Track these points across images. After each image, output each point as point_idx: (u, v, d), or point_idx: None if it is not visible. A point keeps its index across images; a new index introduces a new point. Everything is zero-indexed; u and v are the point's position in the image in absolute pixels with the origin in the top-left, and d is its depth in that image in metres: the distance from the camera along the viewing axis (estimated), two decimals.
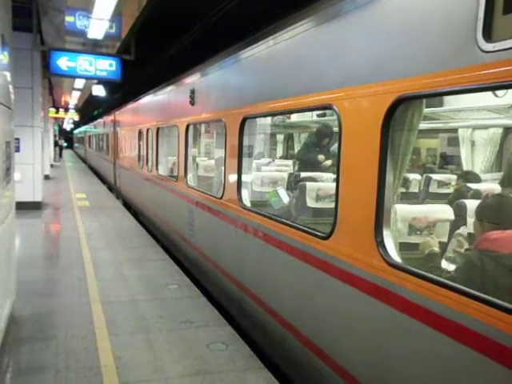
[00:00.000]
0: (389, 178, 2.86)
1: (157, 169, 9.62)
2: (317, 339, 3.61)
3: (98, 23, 9.99)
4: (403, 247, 3.38)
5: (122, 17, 10.24)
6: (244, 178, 5.16)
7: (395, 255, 2.83)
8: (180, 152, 7.57)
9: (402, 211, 3.55)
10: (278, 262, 4.29)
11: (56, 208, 12.68)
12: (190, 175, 7.42)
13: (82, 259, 7.37)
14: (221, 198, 5.64)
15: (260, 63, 4.88)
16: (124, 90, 26.16)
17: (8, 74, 4.67)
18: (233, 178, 5.24)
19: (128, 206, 13.73)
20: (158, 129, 9.52)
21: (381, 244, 2.86)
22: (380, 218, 2.86)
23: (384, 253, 2.83)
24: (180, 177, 7.64)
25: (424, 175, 6.40)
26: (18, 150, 10.74)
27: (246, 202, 5.09)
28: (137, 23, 10.52)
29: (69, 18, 10.19)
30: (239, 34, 6.63)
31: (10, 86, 4.85)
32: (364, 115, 3.05)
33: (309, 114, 8.63)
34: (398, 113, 2.80)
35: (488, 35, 2.16)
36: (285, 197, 5.76)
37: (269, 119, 8.17)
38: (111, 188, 18.23)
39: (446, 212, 3.77)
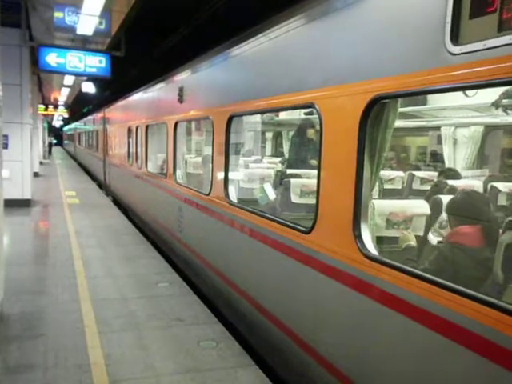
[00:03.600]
0: (366, 174, 2.98)
1: (146, 166, 9.69)
2: (299, 330, 3.73)
3: (88, 19, 9.91)
4: (382, 241, 3.56)
5: (111, 13, 10.17)
6: (231, 174, 5.26)
7: (372, 248, 2.95)
8: (169, 149, 7.66)
9: (379, 206, 3.69)
10: (262, 256, 4.39)
11: (45, 205, 12.58)
12: (178, 172, 7.52)
13: (72, 257, 7.32)
14: (208, 194, 5.73)
15: (246, 62, 4.98)
16: (114, 87, 26.02)
17: None
18: (220, 174, 5.34)
19: (118, 203, 13.69)
20: (147, 126, 9.58)
21: (358, 237, 2.98)
22: (358, 212, 2.99)
23: (361, 246, 2.96)
24: (169, 174, 7.73)
25: (407, 172, 6.55)
26: (6, 146, 10.65)
27: (233, 198, 5.19)
28: (127, 19, 10.45)
29: (58, 14, 10.09)
30: (230, 30, 6.62)
31: None
32: (343, 114, 3.16)
33: (296, 111, 8.65)
34: (375, 111, 2.92)
35: (455, 39, 2.29)
36: (271, 193, 5.91)
37: (257, 117, 8.26)
38: (101, 185, 18.16)
39: (422, 207, 3.91)
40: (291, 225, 3.88)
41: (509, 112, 5.39)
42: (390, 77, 2.72)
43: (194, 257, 6.43)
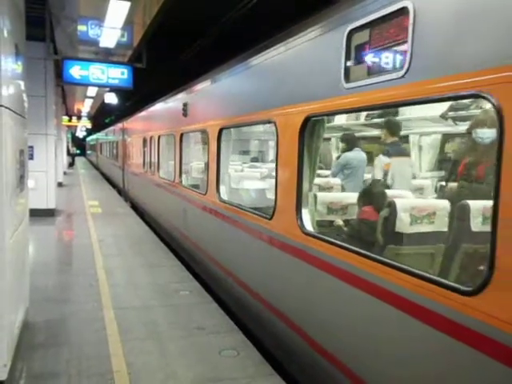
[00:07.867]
0: (305, 172, 4.05)
1: (158, 172, 10.90)
2: (263, 292, 4.81)
3: (110, 32, 10.11)
4: (325, 224, 4.78)
5: (133, 25, 10.34)
6: (222, 177, 6.42)
7: (310, 227, 4.00)
8: (176, 157, 8.82)
9: (322, 197, 4.85)
10: (243, 241, 5.39)
11: (69, 215, 12.79)
12: (183, 177, 8.76)
13: (95, 265, 7.42)
14: (205, 194, 6.80)
15: (230, 85, 6.21)
16: (136, 98, 26.39)
17: (22, 83, 4.74)
18: (213, 177, 6.42)
19: (135, 207, 14.51)
20: (159, 137, 10.76)
21: (300, 219, 4.03)
22: (299, 201, 4.04)
23: (301, 225, 4.00)
24: (176, 178, 8.87)
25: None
26: (31, 157, 10.88)
27: (223, 196, 6.25)
28: (148, 32, 10.62)
29: (81, 27, 10.30)
30: (247, 42, 6.72)
31: (24, 95, 4.92)
32: (289, 128, 4.22)
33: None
34: (308, 126, 3.98)
35: (347, 78, 3.42)
36: (252, 191, 7.56)
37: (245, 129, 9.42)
38: (120, 191, 18.92)
39: (355, 198, 4.82)
40: (261, 214, 4.93)
41: (457, 122, 6.27)
42: (316, 102, 3.82)
43: (195, 248, 7.44)
